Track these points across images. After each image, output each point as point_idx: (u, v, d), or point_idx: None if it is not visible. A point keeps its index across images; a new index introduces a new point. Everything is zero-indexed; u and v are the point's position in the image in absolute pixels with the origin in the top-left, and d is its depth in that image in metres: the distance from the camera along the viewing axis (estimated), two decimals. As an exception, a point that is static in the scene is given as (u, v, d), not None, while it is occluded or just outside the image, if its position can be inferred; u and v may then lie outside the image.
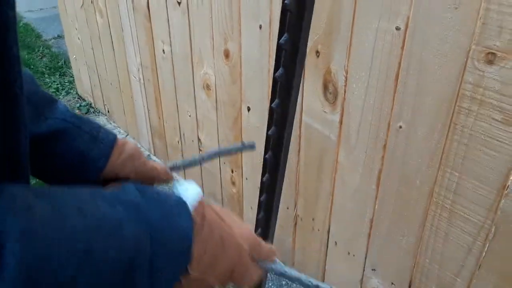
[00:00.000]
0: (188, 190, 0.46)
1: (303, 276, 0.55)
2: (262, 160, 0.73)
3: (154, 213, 0.40)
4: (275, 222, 0.83)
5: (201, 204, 0.46)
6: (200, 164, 0.71)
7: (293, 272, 0.55)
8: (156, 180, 0.66)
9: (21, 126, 0.36)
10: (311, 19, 0.57)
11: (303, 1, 0.54)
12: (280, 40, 0.59)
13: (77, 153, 0.55)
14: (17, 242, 0.28)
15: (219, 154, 0.78)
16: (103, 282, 0.34)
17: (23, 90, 0.35)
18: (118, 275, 0.36)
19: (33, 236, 0.29)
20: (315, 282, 0.55)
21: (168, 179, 0.68)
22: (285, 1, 0.55)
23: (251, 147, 0.79)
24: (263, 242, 0.52)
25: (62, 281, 0.31)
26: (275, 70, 0.62)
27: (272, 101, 0.66)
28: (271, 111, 0.67)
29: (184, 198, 0.44)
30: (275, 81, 0.63)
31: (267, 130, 0.70)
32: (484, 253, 1.00)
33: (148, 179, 0.64)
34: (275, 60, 0.61)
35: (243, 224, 0.51)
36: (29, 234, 0.29)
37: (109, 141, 0.58)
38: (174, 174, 0.64)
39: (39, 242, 0.30)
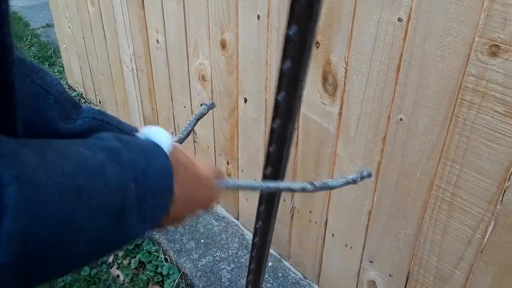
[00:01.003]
0: (159, 135, 0.48)
1: (255, 183, 0.61)
2: (259, 152, 0.71)
3: (133, 155, 0.42)
4: (276, 215, 0.82)
5: (174, 148, 0.49)
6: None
7: (246, 182, 0.61)
8: None
9: (16, 114, 0.37)
10: (320, 11, 0.56)
11: (313, -9, 0.52)
12: (288, 32, 0.57)
13: None
14: (13, 185, 0.29)
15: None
16: (96, 226, 0.36)
17: (16, 79, 0.36)
18: (109, 216, 0.37)
19: (27, 180, 0.30)
20: (272, 184, 0.63)
21: None
22: (294, -9, 0.53)
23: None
24: (211, 166, 0.60)
25: (58, 224, 0.32)
26: (282, 62, 0.61)
27: (277, 93, 0.64)
28: (276, 103, 0.66)
29: (157, 141, 0.47)
30: (281, 73, 0.62)
31: (272, 123, 0.68)
32: (483, 246, 1.01)
33: None
34: (282, 52, 0.59)
35: (203, 161, 0.58)
36: (23, 178, 0.30)
37: (134, 131, 0.61)
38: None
39: (32, 185, 0.30)
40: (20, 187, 0.29)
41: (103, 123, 0.56)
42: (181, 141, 0.74)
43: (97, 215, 0.35)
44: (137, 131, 0.60)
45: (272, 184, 0.63)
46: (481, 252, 1.01)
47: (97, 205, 0.35)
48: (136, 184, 0.40)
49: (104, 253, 0.40)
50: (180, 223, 0.53)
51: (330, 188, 0.64)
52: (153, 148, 0.46)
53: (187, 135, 0.78)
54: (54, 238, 0.32)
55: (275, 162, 0.73)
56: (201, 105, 0.83)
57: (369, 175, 0.66)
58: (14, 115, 0.37)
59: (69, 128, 0.53)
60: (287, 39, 0.58)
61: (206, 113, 0.82)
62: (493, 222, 0.97)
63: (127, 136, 0.45)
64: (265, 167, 0.74)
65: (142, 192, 0.40)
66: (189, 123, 0.78)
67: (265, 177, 0.75)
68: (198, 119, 0.81)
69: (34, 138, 0.37)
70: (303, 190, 0.62)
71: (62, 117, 0.52)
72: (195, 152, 1.97)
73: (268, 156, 0.73)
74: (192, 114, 1.86)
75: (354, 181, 0.64)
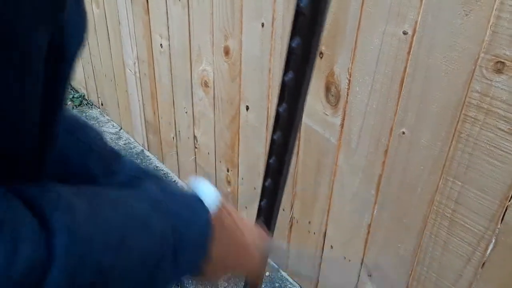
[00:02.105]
0: (206, 191, 0.49)
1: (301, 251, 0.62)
2: (259, 160, 0.70)
3: (174, 207, 0.43)
4: (274, 227, 0.81)
5: (220, 208, 0.49)
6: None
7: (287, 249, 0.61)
8: None
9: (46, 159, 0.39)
10: (324, 23, 0.55)
11: (318, 5, 0.52)
12: (291, 44, 0.57)
13: None
14: (64, 235, 0.31)
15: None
16: (135, 273, 0.37)
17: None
18: (148, 266, 0.38)
19: (76, 230, 0.32)
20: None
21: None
22: (300, 4, 0.52)
23: None
24: (265, 234, 0.59)
25: (100, 271, 0.33)
26: (284, 73, 0.60)
27: (279, 104, 0.64)
28: (277, 115, 0.65)
29: (202, 197, 0.48)
30: (283, 85, 0.61)
31: (273, 134, 0.68)
32: (483, 264, 0.99)
33: None
34: (285, 64, 0.59)
35: (253, 228, 0.56)
36: (73, 228, 0.32)
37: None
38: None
39: (81, 235, 0.32)
40: (69, 237, 0.31)
41: (141, 180, 0.58)
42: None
43: (137, 264, 0.37)
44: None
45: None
46: (480, 270, 1.00)
47: (138, 255, 0.37)
48: (175, 236, 0.41)
49: None
50: (213, 280, 0.53)
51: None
52: (195, 201, 0.47)
53: None
54: (96, 279, 0.33)
55: (275, 174, 0.72)
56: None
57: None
58: (48, 152, 0.38)
59: (109, 183, 0.55)
60: (290, 51, 0.57)
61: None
62: (493, 240, 0.96)
63: (172, 188, 0.47)
64: (265, 179, 0.73)
65: (180, 244, 0.42)
66: None
67: (264, 189, 0.74)
68: None
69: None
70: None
71: (104, 172, 0.55)
72: (195, 159, 1.96)
73: (268, 167, 0.72)
74: (193, 119, 1.85)
75: None
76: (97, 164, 0.54)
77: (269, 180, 0.73)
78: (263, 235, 0.58)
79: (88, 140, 0.54)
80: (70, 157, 0.40)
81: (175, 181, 2.18)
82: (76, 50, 0.35)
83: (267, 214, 0.77)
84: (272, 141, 0.69)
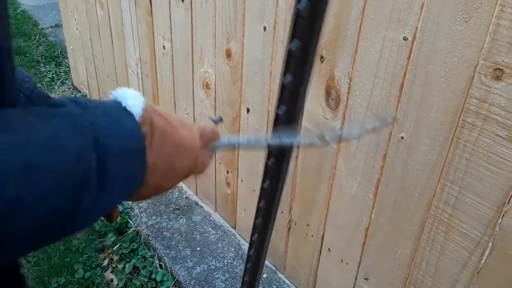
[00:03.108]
0: (129, 97, 0.43)
1: (254, 139, 0.56)
2: (259, 163, 0.71)
3: (95, 119, 0.38)
4: (272, 229, 0.81)
5: (147, 111, 0.44)
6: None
7: (241, 139, 0.56)
8: None
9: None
10: (322, 26, 0.56)
11: (316, 8, 0.53)
12: (291, 46, 0.57)
13: None
14: None
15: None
16: (52, 202, 0.33)
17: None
18: (67, 190, 0.34)
19: None
20: (273, 140, 0.56)
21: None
22: (298, 7, 0.53)
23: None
24: (206, 127, 0.55)
25: (6, 200, 0.30)
26: (283, 75, 0.61)
27: (278, 107, 0.64)
28: (276, 117, 0.66)
29: (125, 105, 0.42)
30: (282, 87, 0.62)
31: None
32: (479, 269, 1.00)
33: None
34: (284, 66, 0.60)
35: (185, 121, 0.51)
36: None
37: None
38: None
39: None
40: None
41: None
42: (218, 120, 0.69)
43: (52, 191, 0.33)
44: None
45: (273, 140, 0.56)
46: (477, 275, 1.00)
47: (50, 180, 0.32)
48: (98, 150, 0.36)
49: (66, 231, 0.37)
50: (161, 193, 0.48)
51: (343, 139, 0.56)
52: (118, 109, 0.41)
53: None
54: (1, 216, 0.30)
55: (274, 176, 0.72)
56: (209, 118, 0.77)
57: (390, 121, 0.57)
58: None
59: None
60: (289, 53, 0.58)
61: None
62: (490, 245, 0.96)
63: (87, 99, 0.41)
64: (263, 180, 0.74)
65: (107, 158, 0.37)
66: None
67: (263, 190, 0.74)
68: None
69: None
70: (311, 144, 0.55)
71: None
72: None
73: (266, 169, 0.72)
74: (194, 121, 1.86)
75: (374, 129, 0.55)
76: (25, 106, 0.48)
77: (267, 182, 0.74)
78: (204, 128, 0.54)
79: (15, 83, 0.48)
80: None
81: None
82: None
83: (265, 215, 0.77)
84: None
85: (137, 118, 0.42)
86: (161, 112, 0.47)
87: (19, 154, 0.31)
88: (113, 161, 0.38)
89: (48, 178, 0.32)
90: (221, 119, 0.75)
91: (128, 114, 0.41)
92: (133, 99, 0.43)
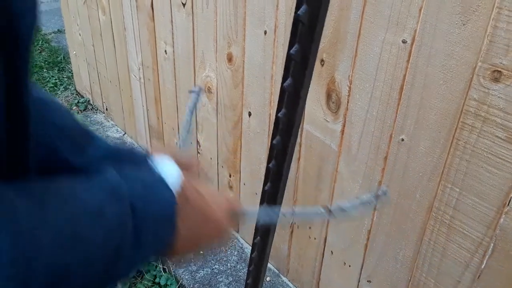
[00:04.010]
0: (167, 169, 0.48)
1: (270, 212, 0.61)
2: (261, 166, 0.72)
3: (133, 187, 0.42)
4: (274, 231, 0.82)
5: (184, 183, 0.48)
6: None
7: (261, 213, 0.61)
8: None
9: (29, 149, 0.38)
10: (322, 31, 0.57)
11: (316, 13, 0.54)
12: (291, 51, 0.58)
13: None
14: (5, 241, 0.30)
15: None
16: (95, 265, 0.37)
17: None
18: (107, 255, 0.38)
19: (20, 233, 0.31)
20: (288, 213, 0.62)
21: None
22: (298, 12, 0.54)
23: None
24: (233, 200, 0.59)
25: (55, 269, 0.33)
26: (284, 79, 0.62)
27: (278, 110, 0.65)
28: (277, 120, 0.67)
29: (164, 176, 0.47)
30: (282, 90, 0.63)
31: (272, 139, 0.69)
32: (481, 270, 1.00)
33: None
34: (284, 70, 0.61)
35: (218, 197, 0.55)
36: (16, 232, 0.31)
37: (144, 159, 0.61)
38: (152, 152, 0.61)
39: (27, 238, 0.31)
40: (12, 242, 0.30)
41: (115, 158, 0.58)
42: (185, 144, 0.72)
43: (95, 256, 0.36)
44: (147, 157, 0.60)
45: (288, 213, 0.63)
46: (478, 276, 1.01)
47: (94, 247, 0.36)
48: (135, 218, 0.40)
49: (105, 285, 0.40)
50: (184, 258, 0.52)
51: (347, 214, 0.59)
52: (157, 180, 0.46)
53: (188, 136, 0.74)
54: (52, 280, 0.33)
55: (275, 178, 0.73)
56: (189, 92, 0.77)
57: (384, 194, 0.61)
58: (27, 150, 0.38)
59: (81, 162, 0.54)
60: (289, 58, 0.59)
61: (198, 101, 0.76)
62: (491, 246, 0.96)
63: (130, 169, 0.45)
64: (265, 183, 0.75)
65: (142, 225, 0.41)
66: (186, 121, 0.74)
67: (264, 192, 0.75)
68: (193, 109, 0.76)
69: (46, 172, 0.39)
70: (320, 217, 0.61)
71: (74, 151, 0.53)
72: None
73: (267, 172, 0.73)
74: (196, 125, 1.87)
75: (369, 203, 0.60)
76: (66, 144, 0.52)
77: (268, 184, 0.75)
78: (232, 203, 0.58)
79: (56, 119, 0.52)
80: (37, 137, 0.39)
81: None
82: (29, 28, 0.33)
83: (267, 217, 0.78)
84: (272, 146, 0.70)
85: (173, 189, 0.46)
86: (195, 186, 0.52)
87: (70, 226, 0.35)
88: (148, 226, 0.42)
89: (93, 247, 0.36)
90: (200, 89, 0.76)
91: (166, 186, 0.46)
92: (171, 171, 0.48)
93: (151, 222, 0.42)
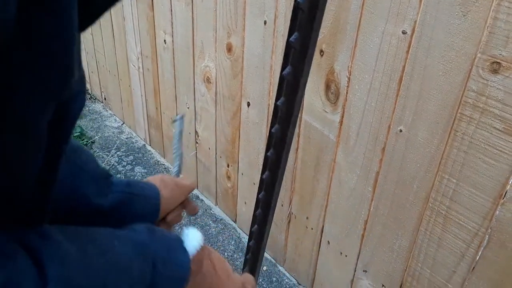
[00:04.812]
0: (190, 236, 0.54)
1: None
2: (259, 156, 0.72)
3: (159, 249, 0.48)
4: (272, 220, 0.83)
5: (200, 254, 0.53)
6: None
7: None
8: (190, 192, 0.76)
9: (51, 194, 0.42)
10: (322, 19, 0.57)
11: (316, 1, 0.54)
12: (290, 39, 0.58)
13: (136, 215, 0.65)
14: (54, 284, 0.34)
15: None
16: None
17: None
18: None
19: (67, 281, 0.36)
20: None
21: (195, 187, 0.81)
22: (298, 0, 0.54)
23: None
24: (248, 283, 0.64)
25: None
26: (283, 68, 0.62)
27: (277, 98, 0.65)
28: (275, 108, 0.67)
29: (186, 242, 0.52)
30: (282, 79, 0.63)
31: (270, 128, 0.69)
32: (476, 260, 1.01)
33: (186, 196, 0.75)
34: (283, 58, 0.61)
35: (233, 275, 0.60)
36: (65, 279, 0.35)
37: (156, 194, 0.68)
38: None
39: (72, 285, 0.36)
40: (59, 281, 0.34)
41: (130, 195, 0.64)
42: (178, 172, 0.79)
43: None
44: (157, 192, 0.67)
45: None
46: (473, 266, 1.02)
47: None
48: (153, 275, 0.46)
49: None
50: None
51: None
52: (178, 245, 0.51)
53: (181, 163, 0.80)
54: None
55: (273, 167, 0.73)
56: (173, 122, 0.84)
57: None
58: (49, 195, 0.42)
59: (101, 203, 0.59)
60: (289, 46, 0.59)
61: (183, 128, 0.81)
62: (487, 237, 0.97)
63: (160, 231, 0.51)
64: (263, 171, 0.75)
65: (159, 279, 0.46)
66: (175, 149, 0.80)
67: (262, 181, 0.75)
68: (180, 136, 0.81)
69: (65, 212, 0.45)
70: None
71: (94, 193, 0.58)
72: (196, 154, 1.98)
73: (266, 160, 0.74)
74: (195, 115, 1.87)
75: None
76: (88, 185, 0.57)
77: (267, 173, 0.75)
78: (245, 282, 0.63)
79: (81, 162, 0.57)
80: (62, 179, 0.43)
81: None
82: (78, 110, 0.37)
83: (265, 206, 0.79)
84: (270, 134, 0.70)
85: (190, 255, 0.52)
86: (214, 260, 0.57)
87: (104, 276, 0.40)
88: (162, 284, 0.47)
89: None
90: (183, 115, 0.81)
91: (185, 251, 0.51)
92: (193, 240, 0.53)
93: (166, 281, 0.47)
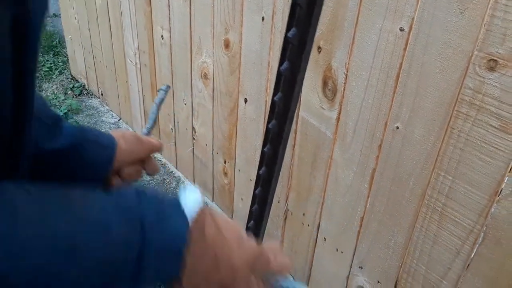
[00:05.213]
0: (189, 198, 0.46)
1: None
2: (256, 153, 0.72)
3: (147, 213, 0.41)
4: (268, 216, 0.83)
5: (201, 217, 0.45)
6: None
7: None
8: (154, 151, 0.71)
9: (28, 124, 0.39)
10: (320, 15, 0.57)
11: (314, -4, 0.53)
12: (288, 34, 0.58)
13: (88, 163, 0.61)
14: None
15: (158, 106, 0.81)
16: (93, 278, 0.36)
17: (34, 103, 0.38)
18: (106, 273, 0.37)
19: (11, 236, 0.32)
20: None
21: (161, 147, 0.73)
22: (296, -5, 0.54)
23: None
24: (275, 256, 0.50)
25: (45, 274, 0.33)
26: (280, 63, 0.62)
27: (274, 94, 0.65)
28: (272, 104, 0.67)
29: (184, 205, 0.45)
30: (279, 74, 0.63)
31: (267, 123, 0.69)
32: (472, 257, 1.01)
33: (147, 154, 0.70)
34: (281, 54, 0.61)
35: (246, 241, 0.49)
36: (8, 235, 0.32)
37: (111, 143, 0.63)
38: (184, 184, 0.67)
39: (17, 241, 0.32)
40: (2, 242, 0.31)
41: (82, 140, 0.60)
42: (149, 131, 0.78)
43: (92, 270, 0.36)
44: (112, 140, 0.63)
45: None
46: (469, 263, 1.02)
47: (93, 262, 0.36)
48: (142, 244, 0.39)
49: None
50: None
51: None
52: (173, 208, 0.43)
53: (154, 123, 0.81)
54: (39, 281, 0.33)
55: (270, 163, 0.73)
56: (158, 90, 0.86)
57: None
58: (24, 143, 0.40)
59: (51, 146, 0.55)
60: (286, 41, 0.59)
61: (165, 97, 0.83)
62: (482, 234, 0.98)
63: (151, 192, 0.44)
64: (260, 167, 0.75)
65: (146, 254, 0.39)
66: (152, 112, 0.81)
67: (259, 177, 0.76)
68: (159, 104, 0.83)
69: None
70: None
71: (45, 136, 0.55)
72: (193, 150, 1.98)
73: (262, 156, 0.74)
74: (192, 111, 1.87)
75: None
76: (36, 128, 0.51)
77: (263, 169, 0.75)
78: (260, 252, 0.50)
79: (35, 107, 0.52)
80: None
81: (172, 172, 2.20)
82: (40, 19, 0.34)
83: (261, 202, 0.79)
84: (267, 130, 0.70)
85: (189, 218, 0.43)
86: (218, 222, 0.47)
87: (69, 239, 0.35)
88: (151, 258, 0.40)
89: (92, 261, 0.36)
90: (168, 87, 0.84)
91: (182, 216, 0.43)
92: (193, 201, 0.45)
93: (158, 253, 0.40)
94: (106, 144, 0.63)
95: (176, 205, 0.44)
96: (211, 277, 0.45)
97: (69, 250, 0.34)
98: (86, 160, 0.61)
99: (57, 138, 0.57)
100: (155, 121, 0.81)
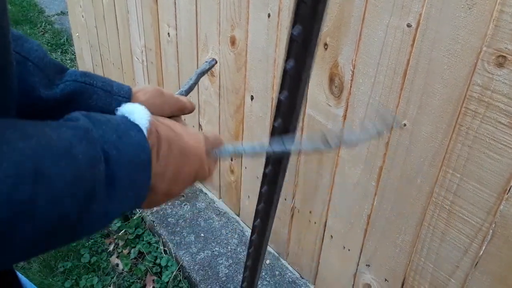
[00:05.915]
0: (135, 112, 0.46)
1: (258, 146, 0.58)
2: (266, 151, 0.72)
3: (105, 133, 0.40)
4: (274, 214, 0.82)
5: (153, 123, 0.47)
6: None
7: (246, 146, 0.57)
8: (185, 110, 0.65)
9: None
10: (324, 11, 0.56)
11: (319, -7, 0.53)
12: (293, 31, 0.58)
13: (95, 110, 0.54)
14: None
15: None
16: (61, 207, 0.35)
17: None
18: (77, 197, 0.36)
19: None
20: (278, 146, 0.58)
21: (193, 108, 0.67)
22: (301, -8, 0.53)
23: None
24: (209, 134, 0.56)
25: (14, 204, 0.31)
26: (286, 61, 0.61)
27: (280, 92, 0.65)
28: (278, 102, 0.67)
29: (132, 119, 0.45)
30: (284, 72, 0.62)
31: (273, 122, 0.69)
32: (480, 255, 1.01)
33: (173, 111, 0.63)
34: (286, 51, 0.60)
35: (189, 129, 0.53)
36: None
37: (125, 92, 0.57)
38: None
39: None
40: None
41: (86, 85, 0.54)
42: (183, 93, 0.72)
43: (62, 196, 0.34)
44: (127, 90, 0.57)
45: (278, 146, 0.58)
46: (477, 261, 1.02)
47: (62, 184, 0.34)
48: (107, 161, 0.39)
49: (74, 236, 0.38)
50: (170, 199, 0.51)
51: (347, 144, 0.54)
52: (127, 124, 0.44)
53: (190, 90, 0.75)
54: (12, 218, 0.31)
55: (276, 161, 0.73)
56: (205, 62, 0.82)
57: (396, 125, 0.61)
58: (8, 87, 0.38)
59: (50, 93, 0.51)
60: (291, 39, 0.58)
61: (208, 70, 0.80)
62: (490, 232, 0.97)
63: (99, 114, 0.43)
64: (266, 165, 0.75)
65: (116, 169, 0.39)
66: (191, 78, 0.76)
67: (265, 175, 0.75)
68: (200, 75, 0.79)
69: (14, 107, 0.38)
70: (315, 149, 0.55)
71: (43, 83, 0.51)
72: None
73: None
74: (199, 108, 1.87)
75: (378, 134, 0.55)
76: (33, 74, 0.50)
77: (269, 167, 0.75)
78: (210, 137, 0.55)
79: (22, 51, 0.50)
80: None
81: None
82: None
83: (268, 200, 0.78)
84: (273, 128, 0.70)
85: (144, 130, 0.44)
86: (166, 122, 0.50)
87: (33, 160, 0.33)
88: (122, 172, 0.40)
89: (60, 185, 0.34)
90: (214, 61, 0.80)
91: (136, 128, 0.44)
92: (139, 113, 0.46)
93: (126, 169, 0.40)
94: (117, 92, 0.56)
95: (126, 119, 0.45)
96: (183, 170, 0.49)
97: (35, 174, 0.33)
98: (91, 110, 0.55)
99: (58, 85, 0.52)
100: (191, 88, 0.75)
